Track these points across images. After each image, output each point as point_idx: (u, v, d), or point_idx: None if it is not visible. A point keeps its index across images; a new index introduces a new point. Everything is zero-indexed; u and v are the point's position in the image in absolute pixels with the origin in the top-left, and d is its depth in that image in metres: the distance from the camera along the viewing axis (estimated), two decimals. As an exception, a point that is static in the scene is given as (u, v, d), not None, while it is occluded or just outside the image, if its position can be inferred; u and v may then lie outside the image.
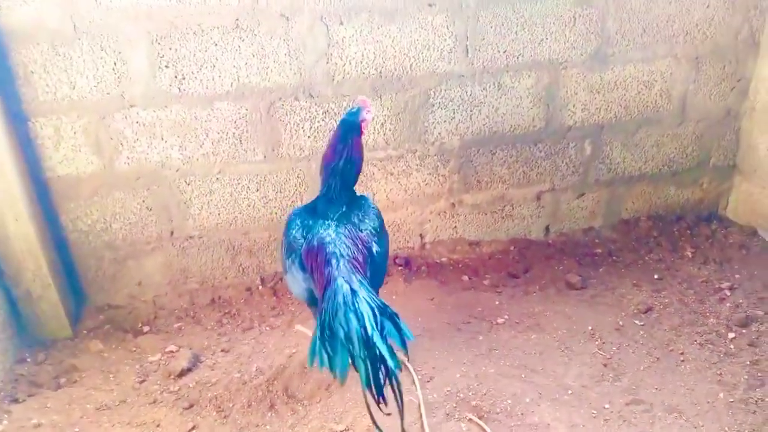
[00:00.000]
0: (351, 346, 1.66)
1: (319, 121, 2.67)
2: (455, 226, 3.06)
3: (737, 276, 2.79)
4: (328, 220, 1.97)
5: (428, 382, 2.21)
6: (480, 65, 2.71)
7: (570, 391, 2.14)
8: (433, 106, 2.75)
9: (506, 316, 2.55)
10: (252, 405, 2.17)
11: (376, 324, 1.68)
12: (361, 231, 1.97)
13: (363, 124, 2.04)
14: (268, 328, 2.62)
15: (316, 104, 2.64)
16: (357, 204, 2.05)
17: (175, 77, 2.48)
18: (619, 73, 2.85)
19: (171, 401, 2.23)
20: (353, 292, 1.74)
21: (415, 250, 3.06)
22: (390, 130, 2.76)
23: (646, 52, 2.84)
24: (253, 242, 2.85)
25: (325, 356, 1.69)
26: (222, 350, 2.49)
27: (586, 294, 2.71)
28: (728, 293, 2.67)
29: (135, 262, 2.77)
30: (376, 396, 1.69)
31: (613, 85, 2.87)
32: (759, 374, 2.20)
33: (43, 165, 2.53)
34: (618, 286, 2.75)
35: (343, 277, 1.78)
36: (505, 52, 2.71)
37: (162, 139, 2.57)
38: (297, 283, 1.99)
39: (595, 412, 2.06)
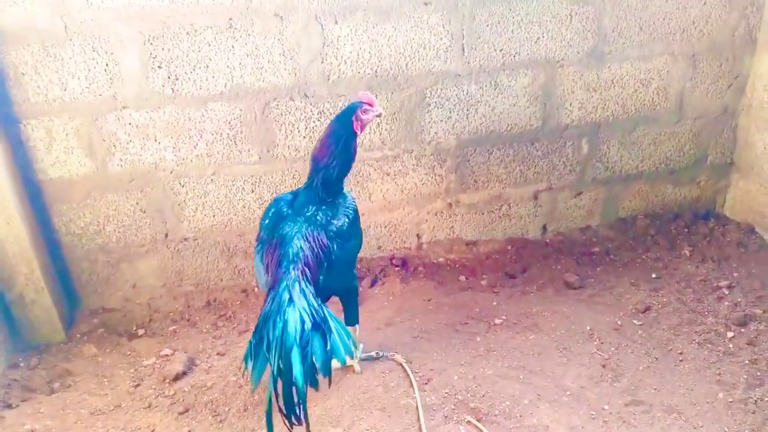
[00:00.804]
0: (270, 356, 1.62)
1: (314, 122, 2.65)
2: (452, 226, 3.04)
3: (735, 274, 2.78)
4: (299, 216, 1.92)
5: (426, 383, 2.19)
6: (476, 64, 2.69)
7: (569, 392, 2.12)
8: (430, 105, 2.73)
9: (504, 317, 2.54)
10: (248, 409, 2.14)
11: (301, 338, 1.62)
12: (325, 233, 1.91)
13: (356, 124, 1.95)
14: (264, 331, 2.60)
15: (311, 104, 2.62)
16: (334, 202, 1.99)
17: (168, 78, 2.46)
18: (616, 71, 2.84)
19: (166, 406, 2.20)
20: (290, 300, 1.69)
21: (412, 251, 3.04)
22: (386, 129, 2.74)
23: (643, 50, 2.83)
24: (248, 244, 2.82)
25: (250, 361, 1.66)
26: (218, 353, 2.46)
27: (584, 293, 2.69)
28: (726, 292, 2.66)
29: (129, 264, 2.74)
30: (284, 414, 1.64)
31: (610, 84, 2.85)
32: (758, 374, 2.19)
33: (35, 167, 2.50)
34: (616, 285, 2.74)
35: (287, 283, 1.73)
36: (501, 50, 2.69)
37: (155, 140, 2.54)
38: (259, 276, 1.96)
39: (594, 413, 2.04)
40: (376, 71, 2.62)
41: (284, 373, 1.59)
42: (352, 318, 2.18)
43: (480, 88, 2.74)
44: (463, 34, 2.63)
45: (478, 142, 2.86)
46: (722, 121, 3.09)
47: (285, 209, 1.98)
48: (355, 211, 2.04)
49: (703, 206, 3.29)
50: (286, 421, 1.67)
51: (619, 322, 2.47)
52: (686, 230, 3.16)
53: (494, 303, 2.65)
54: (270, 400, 1.61)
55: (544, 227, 3.15)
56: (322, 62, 2.56)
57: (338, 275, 1.95)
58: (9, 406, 2.23)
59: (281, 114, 2.61)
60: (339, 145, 1.94)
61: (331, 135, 1.95)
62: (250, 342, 1.68)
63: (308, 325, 1.64)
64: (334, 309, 1.97)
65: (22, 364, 2.47)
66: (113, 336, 2.62)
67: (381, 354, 2.28)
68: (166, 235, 2.73)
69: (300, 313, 1.66)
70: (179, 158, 2.59)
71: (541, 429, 1.96)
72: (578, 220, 3.17)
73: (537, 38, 2.70)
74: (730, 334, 2.40)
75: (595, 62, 2.80)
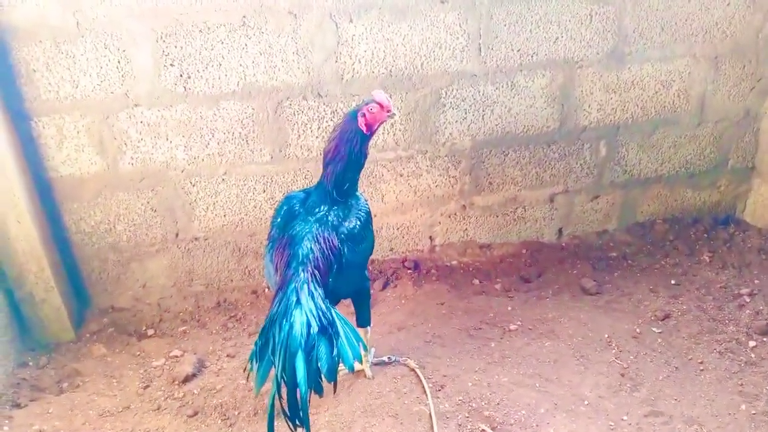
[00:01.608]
0: (274, 359, 1.58)
1: (327, 122, 2.61)
2: (466, 229, 2.99)
3: (756, 281, 2.71)
4: (310, 216, 1.88)
5: (439, 390, 2.14)
6: (493, 64, 2.64)
7: (586, 402, 2.07)
8: (445, 106, 2.68)
9: (519, 322, 2.48)
10: (258, 413, 2.11)
11: (306, 342, 1.58)
12: (336, 234, 1.87)
13: (361, 121, 1.84)
14: (274, 333, 2.56)
15: (324, 104, 2.58)
16: (346, 203, 1.95)
17: (181, 76, 2.42)
18: (636, 73, 2.77)
19: (175, 408, 2.17)
20: (298, 302, 1.65)
21: (425, 253, 2.99)
22: (400, 130, 2.69)
23: (664, 51, 2.76)
24: (259, 244, 2.79)
25: (255, 363, 1.63)
26: (227, 355, 2.43)
27: (601, 300, 2.63)
28: (748, 299, 2.59)
29: (139, 264, 2.71)
30: (288, 418, 1.61)
31: (629, 85, 2.79)
32: (782, 385, 2.13)
33: (46, 165, 2.48)
34: (634, 291, 2.68)
35: (295, 284, 1.69)
36: (519, 50, 2.63)
37: (167, 139, 2.51)
38: (269, 276, 1.92)
39: (612, 424, 1.99)
40: (390, 71, 2.57)
41: (288, 378, 1.56)
42: (363, 319, 2.14)
43: (496, 89, 2.69)
44: (479, 34, 2.57)
45: (493, 144, 2.81)
46: (744, 124, 3.01)
47: (297, 207, 1.94)
48: (368, 213, 1.99)
49: (722, 211, 3.22)
50: (290, 425, 1.63)
51: (637, 330, 2.41)
52: (705, 235, 3.09)
53: (509, 308, 2.60)
54: (272, 403, 1.58)
55: (560, 231, 3.09)
56: (336, 61, 2.52)
57: (348, 279, 1.91)
58: (18, 406, 2.21)
59: (294, 113, 2.57)
60: (346, 145, 1.87)
61: (339, 134, 1.89)
62: (256, 343, 1.64)
63: (315, 328, 1.61)
64: (345, 311, 1.95)
65: (31, 363, 2.45)
66: (123, 336, 2.59)
67: (393, 359, 2.24)
68: (177, 235, 2.70)
69: (307, 316, 1.62)
70: (191, 157, 2.56)
71: (558, 440, 1.92)
72: (595, 224, 3.11)
73: (556, 38, 2.64)
74: (752, 344, 2.34)
75: (615, 63, 2.73)
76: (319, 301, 1.69)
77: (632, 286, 2.72)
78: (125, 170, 2.54)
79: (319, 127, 2.61)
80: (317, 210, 1.91)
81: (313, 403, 2.13)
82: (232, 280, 2.83)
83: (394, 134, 2.70)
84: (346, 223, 1.91)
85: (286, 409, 1.60)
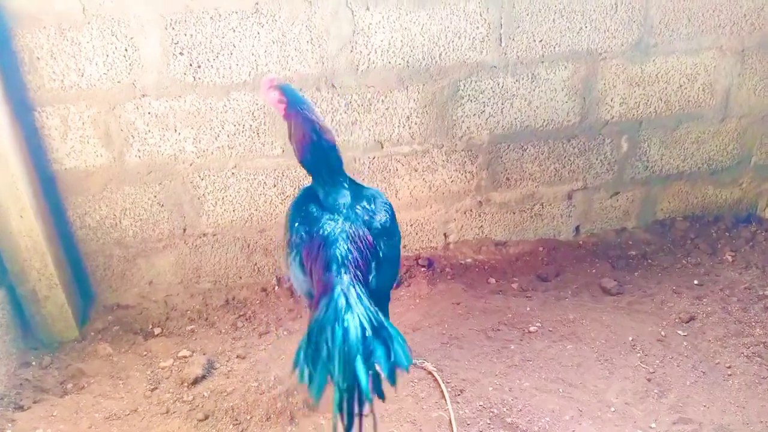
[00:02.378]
0: (331, 367, 1.50)
1: (341, 114, 2.51)
2: (481, 226, 2.90)
3: (781, 283, 2.63)
4: (335, 215, 1.78)
5: (458, 395, 2.07)
6: (514, 55, 2.54)
7: (612, 409, 1.99)
8: (463, 98, 2.59)
9: (539, 324, 2.40)
10: (271, 418, 2.03)
11: (364, 348, 1.50)
12: (369, 230, 1.78)
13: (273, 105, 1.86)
14: (285, 333, 2.48)
15: (338, 95, 2.48)
16: (364, 195, 1.86)
17: (190, 65, 2.33)
18: (660, 66, 2.68)
19: (185, 412, 2.09)
20: (348, 307, 1.56)
21: (439, 250, 2.91)
22: (416, 123, 2.60)
23: (690, 43, 2.67)
24: (269, 240, 2.70)
25: (306, 371, 1.54)
26: (237, 356, 2.35)
27: (622, 300, 2.55)
28: (773, 301, 2.51)
29: (145, 260, 2.63)
30: (346, 427, 1.53)
31: (654, 78, 2.69)
32: (814, 392, 2.05)
33: (49, 157, 2.39)
34: (656, 292, 2.59)
35: (341, 288, 1.60)
36: (541, 41, 2.54)
37: (175, 130, 2.42)
38: (298, 283, 1.83)
39: (640, 431, 1.91)
40: (407, 61, 2.48)
41: (349, 384, 1.48)
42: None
43: (516, 81, 2.60)
44: (501, 23, 2.48)
45: (512, 138, 2.72)
46: (769, 120, 2.93)
47: (314, 209, 1.83)
48: (391, 205, 1.91)
49: (744, 209, 3.13)
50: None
51: (662, 333, 2.33)
52: (727, 234, 3.00)
53: (527, 308, 2.51)
54: (340, 413, 1.51)
55: (577, 228, 3.01)
56: (351, 51, 2.42)
57: (386, 275, 1.82)
58: (20, 408, 2.13)
59: (307, 105, 2.47)
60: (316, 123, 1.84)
61: (303, 114, 1.84)
62: (304, 352, 1.54)
63: (369, 332, 1.52)
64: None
65: (33, 363, 2.36)
66: (129, 335, 2.51)
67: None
68: (185, 230, 2.61)
69: (360, 319, 1.53)
70: (199, 150, 2.47)
71: (585, 449, 1.84)
72: (613, 221, 3.02)
73: (579, 29, 2.54)
74: (780, 348, 2.26)
75: (639, 55, 2.64)
76: (368, 303, 1.60)
77: (654, 287, 2.63)
78: (132, 163, 2.44)
79: (332, 120, 2.51)
80: (339, 207, 1.81)
81: (329, 408, 2.06)
82: (240, 277, 2.75)
83: (409, 127, 2.60)
84: (377, 217, 1.82)
85: (343, 416, 1.52)
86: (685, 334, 2.34)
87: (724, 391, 2.08)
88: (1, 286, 2.32)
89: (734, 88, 2.81)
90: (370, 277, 1.73)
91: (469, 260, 2.89)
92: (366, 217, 1.80)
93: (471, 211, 2.85)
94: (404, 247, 2.86)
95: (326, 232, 1.73)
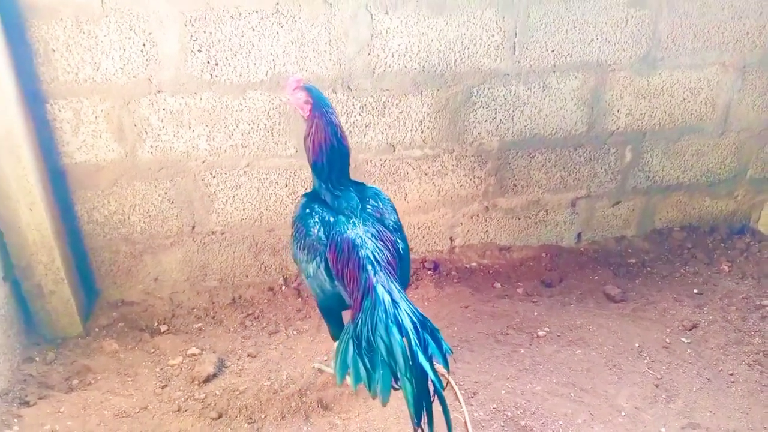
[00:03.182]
0: (393, 362, 1.52)
1: (356, 116, 2.53)
2: (487, 231, 2.93)
3: (776, 293, 2.71)
4: (351, 216, 1.80)
5: (472, 397, 2.09)
6: (527, 64, 2.58)
7: (623, 413, 2.03)
8: (475, 104, 2.62)
9: (547, 329, 2.44)
10: (286, 417, 2.03)
11: (419, 340, 1.53)
12: (386, 228, 1.82)
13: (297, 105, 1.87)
14: (295, 332, 2.48)
15: (353, 98, 2.50)
16: (368, 194, 1.89)
17: (208, 63, 2.32)
18: (666, 79, 2.74)
19: (197, 410, 2.08)
20: (394, 303, 1.59)
21: (444, 254, 2.93)
22: (428, 127, 2.62)
23: (695, 58, 2.74)
24: (277, 240, 2.69)
25: (363, 371, 1.56)
26: (248, 355, 2.34)
27: (626, 307, 2.60)
28: (770, 311, 2.59)
29: (152, 256, 2.60)
30: (420, 419, 1.55)
31: (659, 91, 2.76)
32: (813, 399, 2.12)
33: (60, 150, 2.36)
34: (658, 299, 2.65)
35: (382, 286, 1.63)
36: (553, 51, 2.58)
37: (189, 128, 2.41)
38: (323, 288, 1.83)
39: (650, 436, 1.96)
40: (423, 66, 2.50)
41: (417, 378, 1.50)
42: None
43: (528, 89, 2.64)
44: (515, 32, 2.51)
45: (521, 145, 2.76)
46: (765, 135, 3.01)
47: (326, 212, 1.84)
48: (391, 200, 1.95)
49: (737, 221, 3.22)
50: (417, 426, 1.57)
51: (667, 340, 2.38)
52: (722, 245, 3.09)
53: (535, 313, 2.55)
54: (419, 412, 1.53)
55: (579, 235, 3.06)
56: (369, 54, 2.43)
57: (405, 270, 1.85)
58: (26, 404, 2.09)
59: (322, 106, 2.48)
60: (335, 126, 1.86)
61: (326, 117, 1.85)
62: (354, 353, 1.57)
63: (419, 326, 1.55)
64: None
65: (37, 359, 2.32)
66: (134, 331, 2.48)
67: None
68: (193, 228, 2.59)
69: (409, 315, 1.56)
70: (213, 148, 2.46)
71: (600, 452, 1.88)
72: (614, 229, 3.08)
73: (591, 40, 2.59)
74: (779, 356, 2.33)
75: (646, 68, 2.70)
76: (408, 299, 1.63)
77: (656, 294, 2.69)
78: (144, 159, 2.42)
79: (347, 122, 2.52)
80: (350, 208, 1.83)
81: (343, 408, 2.07)
82: (247, 276, 2.74)
83: (422, 131, 2.62)
84: (387, 214, 1.86)
85: (412, 410, 1.54)
86: (689, 341, 2.40)
87: (728, 398, 2.14)
88: (6, 281, 2.28)
89: (734, 103, 2.89)
90: (397, 274, 1.75)
91: (474, 264, 2.92)
92: (377, 215, 1.84)
93: (477, 215, 2.88)
94: (411, 249, 2.87)
95: (350, 234, 1.74)
